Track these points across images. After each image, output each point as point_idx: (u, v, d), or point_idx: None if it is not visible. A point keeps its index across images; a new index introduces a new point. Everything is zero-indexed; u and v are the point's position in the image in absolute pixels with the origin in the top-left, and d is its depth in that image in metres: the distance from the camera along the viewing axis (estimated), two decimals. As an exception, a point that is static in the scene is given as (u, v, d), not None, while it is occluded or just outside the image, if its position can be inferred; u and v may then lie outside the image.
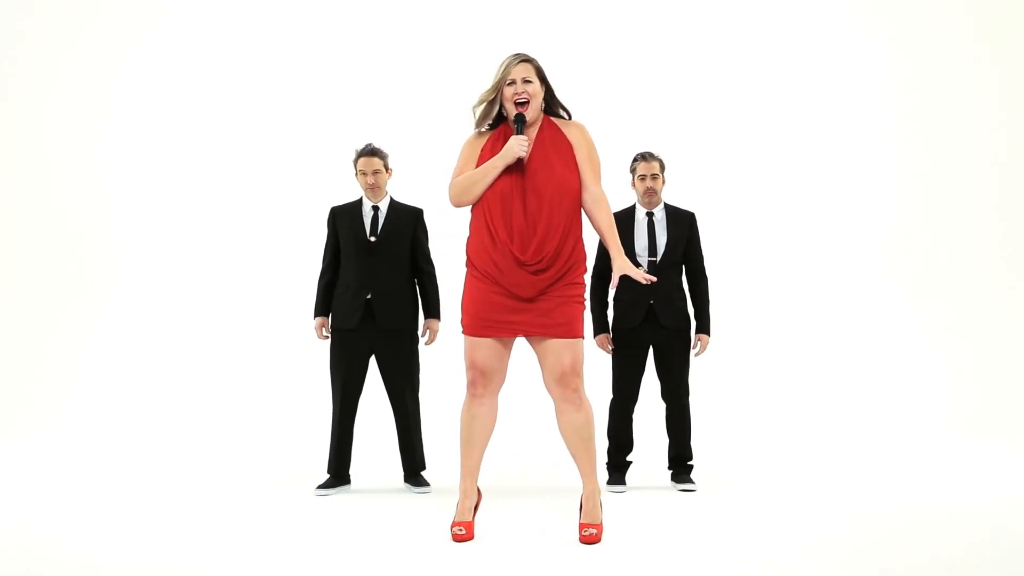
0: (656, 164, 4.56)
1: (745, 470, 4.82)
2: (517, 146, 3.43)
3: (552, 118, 3.60)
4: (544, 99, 3.58)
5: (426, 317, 4.54)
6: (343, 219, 4.47)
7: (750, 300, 6.12)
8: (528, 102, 3.49)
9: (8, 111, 6.55)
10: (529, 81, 3.50)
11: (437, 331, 4.54)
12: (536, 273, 3.44)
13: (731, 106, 6.37)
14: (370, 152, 4.44)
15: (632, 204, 4.62)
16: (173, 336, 6.39)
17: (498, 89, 3.52)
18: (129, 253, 6.48)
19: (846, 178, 6.38)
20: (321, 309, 4.50)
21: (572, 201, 3.49)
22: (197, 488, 4.47)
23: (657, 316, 4.46)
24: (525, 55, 3.55)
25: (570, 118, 3.64)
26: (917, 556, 3.30)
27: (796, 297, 6.25)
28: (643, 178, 4.55)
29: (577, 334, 3.50)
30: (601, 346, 4.59)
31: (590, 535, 3.47)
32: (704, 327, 4.58)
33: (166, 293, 6.44)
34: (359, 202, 4.51)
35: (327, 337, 4.50)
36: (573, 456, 3.58)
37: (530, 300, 3.45)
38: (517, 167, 3.47)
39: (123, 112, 6.54)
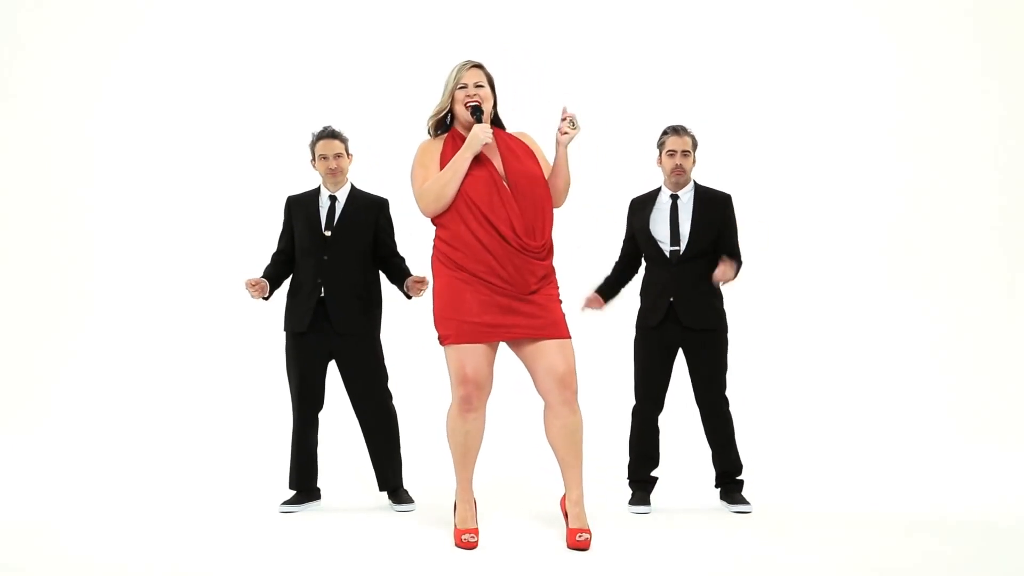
0: (688, 140, 4.06)
1: (750, 476, 4.41)
2: (482, 133, 3.44)
3: (499, 129, 3.62)
4: (493, 108, 3.60)
5: (407, 277, 4.09)
6: (298, 210, 4.15)
7: (750, 300, 6.07)
8: (479, 104, 3.50)
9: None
10: (481, 86, 3.54)
11: (425, 279, 3.94)
12: (540, 258, 3.45)
13: (732, 111, 6.33)
14: (330, 135, 4.13)
15: (656, 188, 4.17)
16: (157, 340, 6.26)
17: (451, 96, 3.56)
18: (115, 255, 6.38)
19: (852, 180, 6.33)
20: (264, 273, 4.12)
21: (546, 193, 3.53)
22: (160, 503, 4.22)
23: (678, 315, 3.99)
24: (476, 61, 3.59)
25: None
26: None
27: (799, 297, 6.22)
28: (672, 154, 4.05)
29: (566, 334, 3.48)
30: (589, 303, 4.14)
31: (584, 540, 3.39)
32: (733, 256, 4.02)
33: (151, 296, 6.31)
34: (316, 191, 4.18)
35: (256, 292, 4.02)
36: (562, 460, 3.51)
37: (521, 297, 3.41)
38: (492, 163, 3.49)
39: (110, 111, 6.47)
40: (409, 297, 4.14)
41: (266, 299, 4.14)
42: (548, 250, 3.50)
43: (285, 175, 5.99)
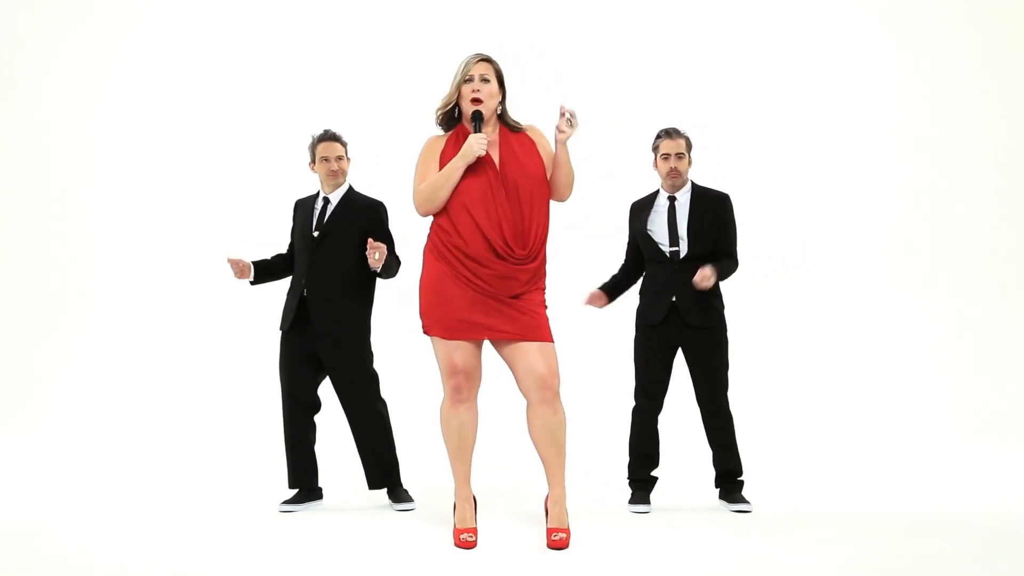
0: (682, 142, 4.07)
1: (750, 476, 4.34)
2: (476, 144, 3.37)
3: (505, 127, 3.55)
4: (500, 104, 3.52)
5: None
6: (298, 212, 4.23)
7: (751, 300, 6.08)
8: (480, 111, 3.42)
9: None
10: (487, 80, 3.45)
11: (382, 247, 3.83)
12: (526, 263, 3.41)
13: (732, 111, 6.32)
14: (331, 137, 4.17)
15: (655, 190, 4.17)
16: (157, 340, 6.26)
17: (458, 89, 3.48)
18: (115, 255, 6.37)
19: (852, 180, 6.32)
20: (258, 259, 4.20)
21: (545, 193, 3.49)
22: (160, 503, 4.19)
23: (681, 314, 3.99)
24: (486, 55, 3.51)
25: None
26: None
27: (799, 297, 6.22)
28: (666, 157, 4.06)
29: (548, 338, 3.47)
30: (591, 300, 4.13)
31: (560, 539, 3.39)
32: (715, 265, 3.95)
33: (151, 297, 6.32)
34: (316, 194, 4.22)
35: (236, 270, 4.10)
36: (543, 459, 3.51)
37: (504, 299, 3.40)
38: (492, 165, 3.43)
39: (110, 111, 6.47)
40: (381, 274, 4.01)
41: (252, 283, 4.21)
42: (536, 255, 3.45)
43: (283, 175, 6.01)
